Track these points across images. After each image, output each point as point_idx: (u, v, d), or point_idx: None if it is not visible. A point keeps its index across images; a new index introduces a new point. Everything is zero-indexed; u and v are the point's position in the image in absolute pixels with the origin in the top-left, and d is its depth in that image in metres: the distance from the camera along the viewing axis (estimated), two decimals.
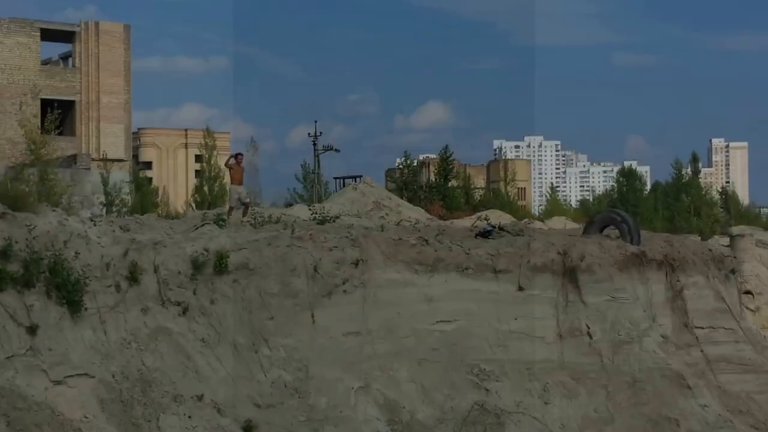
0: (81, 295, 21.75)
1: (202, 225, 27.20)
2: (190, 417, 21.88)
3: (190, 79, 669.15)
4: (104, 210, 57.63)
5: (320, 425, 23.53)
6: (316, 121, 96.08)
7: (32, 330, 20.89)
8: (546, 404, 26.84)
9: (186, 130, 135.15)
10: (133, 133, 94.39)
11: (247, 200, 34.78)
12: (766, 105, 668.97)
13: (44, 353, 20.81)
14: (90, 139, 69.27)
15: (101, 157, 67.71)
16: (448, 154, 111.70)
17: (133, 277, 22.99)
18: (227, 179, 36.46)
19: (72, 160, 65.24)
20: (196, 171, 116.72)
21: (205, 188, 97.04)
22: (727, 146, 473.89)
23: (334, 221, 32.00)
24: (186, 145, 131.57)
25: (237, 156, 34.76)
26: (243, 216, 32.43)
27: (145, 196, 72.05)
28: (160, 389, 21.94)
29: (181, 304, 23.41)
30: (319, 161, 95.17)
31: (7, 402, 19.54)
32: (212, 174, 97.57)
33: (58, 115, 62.02)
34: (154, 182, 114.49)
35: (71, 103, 68.43)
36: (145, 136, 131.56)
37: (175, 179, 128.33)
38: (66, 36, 70.73)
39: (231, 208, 33.84)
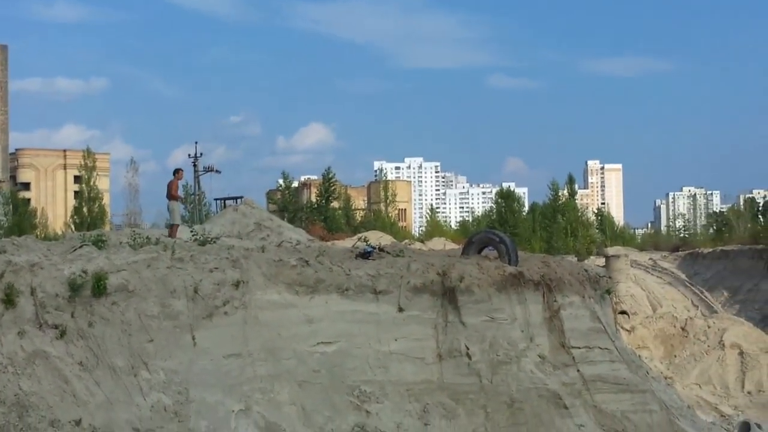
0: None
1: (81, 246, 26.89)
2: None
3: (69, 101, 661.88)
4: None
5: None
6: (196, 142, 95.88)
7: None
8: (426, 425, 26.90)
9: (65, 150, 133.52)
10: (11, 154, 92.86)
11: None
12: (639, 128, 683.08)
13: None
14: None
15: None
16: (330, 175, 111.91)
17: (9, 300, 22.54)
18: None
19: None
20: (75, 192, 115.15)
21: (85, 209, 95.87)
22: (602, 168, 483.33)
23: (214, 242, 31.81)
24: (65, 166, 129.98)
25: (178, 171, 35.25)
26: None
27: (22, 217, 70.88)
28: (37, 414, 21.47)
29: (58, 327, 22.96)
30: (199, 182, 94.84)
31: None
32: (92, 195, 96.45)
33: None
34: (33, 203, 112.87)
35: None
36: (23, 157, 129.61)
37: (53, 200, 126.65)
38: None
39: (176, 226, 33.95)
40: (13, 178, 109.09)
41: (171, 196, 37.36)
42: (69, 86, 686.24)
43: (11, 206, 66.02)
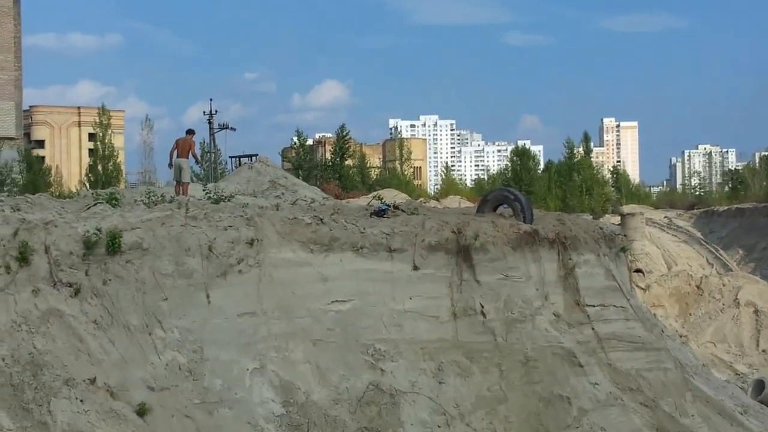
0: None
1: (95, 204, 26.90)
2: (82, 401, 21.45)
3: (84, 57, 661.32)
4: None
5: (215, 408, 23.35)
6: (211, 99, 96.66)
7: None
8: (440, 384, 26.94)
9: (79, 108, 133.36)
10: (25, 111, 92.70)
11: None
12: (655, 85, 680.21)
13: None
14: None
15: None
16: (344, 133, 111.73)
17: (23, 258, 22.56)
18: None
19: None
20: (90, 149, 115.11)
21: (99, 167, 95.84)
22: (618, 126, 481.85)
23: (228, 200, 31.79)
24: (79, 124, 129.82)
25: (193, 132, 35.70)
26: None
27: (37, 176, 70.92)
28: (51, 373, 21.49)
29: (72, 285, 22.97)
30: (214, 140, 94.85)
31: None
32: (106, 153, 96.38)
33: None
34: (47, 161, 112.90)
35: None
36: (37, 114, 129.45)
37: (68, 158, 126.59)
38: None
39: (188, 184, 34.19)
40: (27, 135, 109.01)
41: (189, 153, 37.28)
42: (83, 42, 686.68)
43: (25, 164, 65.91)
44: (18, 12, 70.40)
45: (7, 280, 22.21)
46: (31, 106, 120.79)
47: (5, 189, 57.61)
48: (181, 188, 36.92)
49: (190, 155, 37.66)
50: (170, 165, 37.44)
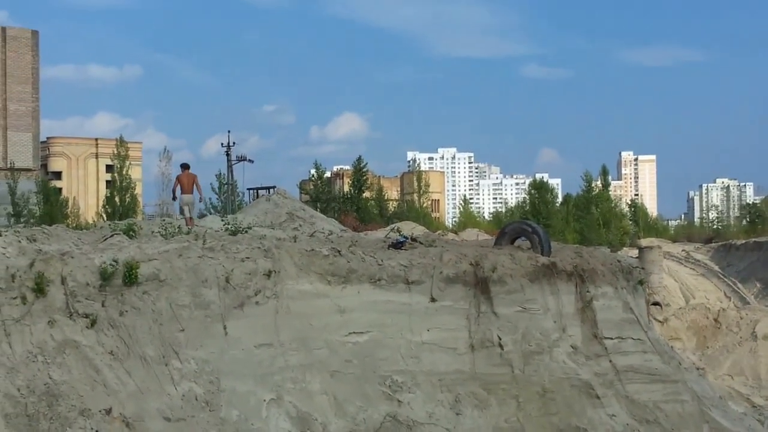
0: None
1: (111, 236, 26.95)
2: (97, 431, 21.41)
3: (103, 88, 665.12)
4: (11, 220, 56.76)
5: None
6: (229, 131, 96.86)
7: None
8: (458, 415, 26.94)
9: (97, 139, 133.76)
10: (42, 142, 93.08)
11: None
12: (673, 119, 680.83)
13: None
14: None
15: (8, 166, 66.80)
16: (361, 165, 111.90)
17: (40, 289, 22.51)
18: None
19: None
20: (107, 181, 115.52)
21: (117, 199, 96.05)
22: (636, 159, 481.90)
23: (246, 232, 31.84)
24: (97, 155, 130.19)
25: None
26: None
27: (54, 207, 71.15)
28: (67, 403, 21.47)
29: (89, 316, 22.94)
30: (232, 172, 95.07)
31: None
32: (124, 184, 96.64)
33: None
34: (64, 192, 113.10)
35: None
36: (55, 146, 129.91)
37: (85, 189, 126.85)
38: None
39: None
40: (45, 166, 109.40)
41: (193, 189, 37.05)
42: (102, 73, 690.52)
43: (42, 195, 66.18)
44: (36, 43, 70.85)
45: (23, 311, 22.14)
46: (48, 138, 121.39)
47: (22, 220, 57.86)
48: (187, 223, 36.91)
49: (195, 191, 37.46)
50: (174, 198, 37.41)
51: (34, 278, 22.55)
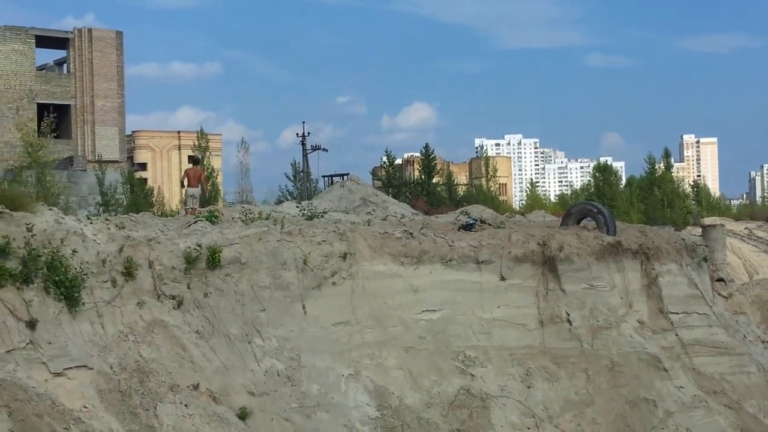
0: (78, 290, 22.11)
1: (195, 222, 27.89)
2: (186, 405, 22.28)
3: (185, 84, 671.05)
4: (100, 209, 58.17)
5: (312, 411, 24.16)
6: (303, 122, 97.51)
7: (32, 324, 21.15)
8: (529, 388, 27.70)
9: (179, 132, 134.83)
10: (128, 135, 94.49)
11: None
12: (733, 102, 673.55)
13: (44, 347, 21.08)
14: (85, 142, 69.49)
15: (96, 159, 68.23)
16: (429, 152, 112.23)
17: (129, 273, 23.50)
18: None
19: (68, 162, 66.00)
20: None
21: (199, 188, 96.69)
22: (698, 142, 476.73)
23: (322, 217, 32.52)
24: (179, 147, 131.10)
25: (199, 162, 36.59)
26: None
27: (139, 196, 72.34)
28: (156, 379, 22.34)
29: (175, 297, 23.98)
30: (307, 160, 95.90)
31: (9, 394, 19.68)
32: (205, 174, 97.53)
33: (54, 118, 62.68)
34: (149, 183, 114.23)
35: (66, 107, 68.59)
36: (140, 139, 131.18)
37: (169, 179, 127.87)
38: (60, 43, 71.00)
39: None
40: (131, 158, 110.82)
41: (199, 183, 37.78)
42: (184, 70, 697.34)
43: (128, 185, 67.44)
44: (120, 43, 72.27)
45: (114, 294, 23.13)
46: (133, 131, 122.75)
47: (110, 209, 59.17)
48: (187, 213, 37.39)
49: (200, 185, 38.10)
50: (182, 187, 38.48)
51: (124, 262, 23.58)
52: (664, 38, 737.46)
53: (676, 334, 30.40)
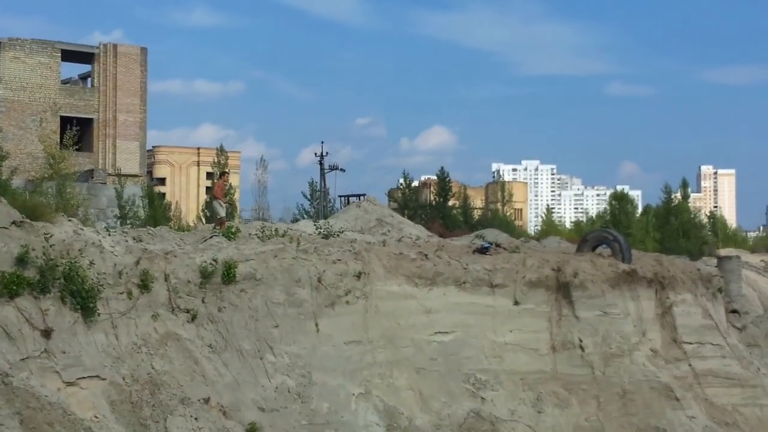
0: (94, 301, 22.24)
1: (211, 237, 28.02)
2: (196, 419, 22.37)
3: (207, 102, 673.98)
4: (118, 222, 58.48)
5: (322, 429, 24.20)
6: (322, 142, 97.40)
7: (47, 333, 21.25)
8: (539, 413, 27.67)
9: (198, 148, 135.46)
10: (148, 150, 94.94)
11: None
12: (753, 135, 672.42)
13: (58, 355, 21.19)
14: (106, 155, 69.99)
15: (116, 172, 68.64)
16: (444, 175, 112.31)
17: (145, 285, 23.61)
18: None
19: (89, 174, 66.35)
20: (207, 187, 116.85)
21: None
22: (716, 173, 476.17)
23: (338, 236, 32.60)
24: (198, 163, 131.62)
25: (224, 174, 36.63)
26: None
27: (157, 210, 72.55)
28: (168, 392, 22.46)
29: (190, 311, 24.08)
30: (325, 180, 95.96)
31: (21, 401, 19.76)
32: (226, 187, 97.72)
33: (77, 131, 62.98)
34: (167, 197, 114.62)
35: (89, 120, 69.08)
36: (160, 154, 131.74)
37: (187, 195, 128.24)
38: (86, 57, 71.53)
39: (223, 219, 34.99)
40: (150, 173, 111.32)
41: (217, 195, 38.01)
42: (207, 88, 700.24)
43: (147, 199, 67.73)
44: (145, 59, 72.81)
45: (129, 305, 23.22)
46: (154, 146, 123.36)
47: (128, 222, 59.51)
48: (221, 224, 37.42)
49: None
50: (215, 199, 38.59)
51: (140, 275, 23.70)
52: (686, 68, 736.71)
53: (689, 364, 30.36)
